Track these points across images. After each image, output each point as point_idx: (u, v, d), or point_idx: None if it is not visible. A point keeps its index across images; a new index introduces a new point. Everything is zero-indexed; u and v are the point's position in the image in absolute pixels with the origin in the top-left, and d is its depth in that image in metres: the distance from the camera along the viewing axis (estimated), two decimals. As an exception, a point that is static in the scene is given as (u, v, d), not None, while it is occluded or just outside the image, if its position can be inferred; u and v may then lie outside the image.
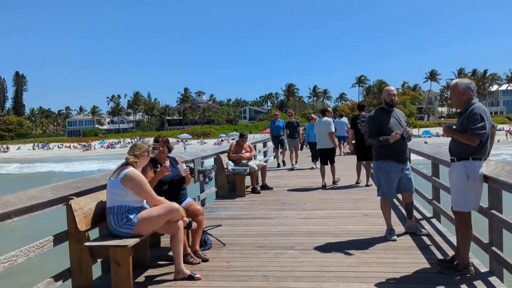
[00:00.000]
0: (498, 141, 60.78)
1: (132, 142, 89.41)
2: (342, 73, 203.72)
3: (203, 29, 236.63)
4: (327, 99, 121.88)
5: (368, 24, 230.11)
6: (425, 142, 56.32)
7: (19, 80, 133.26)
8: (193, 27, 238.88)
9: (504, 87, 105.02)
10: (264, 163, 10.16)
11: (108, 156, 66.56)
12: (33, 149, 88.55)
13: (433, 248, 5.06)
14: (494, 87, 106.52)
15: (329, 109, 10.88)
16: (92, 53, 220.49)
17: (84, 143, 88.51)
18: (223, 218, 6.95)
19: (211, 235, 5.43)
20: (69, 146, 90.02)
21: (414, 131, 78.10)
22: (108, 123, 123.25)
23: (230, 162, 9.35)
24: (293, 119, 14.29)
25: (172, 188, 4.82)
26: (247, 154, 9.63)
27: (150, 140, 5.04)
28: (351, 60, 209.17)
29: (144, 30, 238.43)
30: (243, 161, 9.45)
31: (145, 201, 4.09)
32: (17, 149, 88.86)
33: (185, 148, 64.22)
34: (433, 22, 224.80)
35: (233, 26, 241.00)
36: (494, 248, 4.13)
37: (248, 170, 9.17)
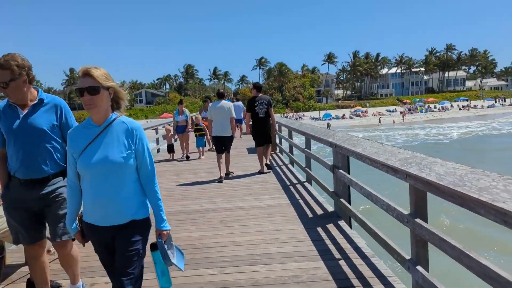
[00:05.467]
0: (394, 122, 62.31)
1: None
2: (243, 56, 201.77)
3: (94, 2, 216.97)
4: (228, 82, 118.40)
5: (266, 8, 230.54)
6: (328, 125, 55.66)
7: None
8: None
9: (393, 70, 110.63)
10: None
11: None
12: None
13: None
14: (385, 70, 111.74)
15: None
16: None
17: None
18: None
19: None
20: None
21: (315, 114, 78.05)
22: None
23: None
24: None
25: None
26: None
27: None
28: (252, 42, 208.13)
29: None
30: None
31: None
32: None
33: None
34: (335, 11, 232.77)
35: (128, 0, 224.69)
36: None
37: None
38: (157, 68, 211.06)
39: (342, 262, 3.71)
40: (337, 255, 3.92)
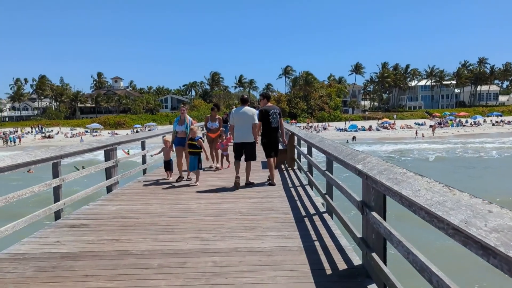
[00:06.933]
0: (423, 136, 59.63)
1: (34, 131, 78.58)
2: (269, 64, 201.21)
3: (126, 11, 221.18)
4: (253, 90, 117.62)
5: (299, 17, 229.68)
6: (354, 137, 53.51)
7: None
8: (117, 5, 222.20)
9: (422, 82, 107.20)
10: None
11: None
12: None
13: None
14: (414, 82, 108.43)
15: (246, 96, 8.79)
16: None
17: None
18: None
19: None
20: None
21: (341, 125, 76.02)
22: (9, 110, 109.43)
23: None
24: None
25: None
26: None
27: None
28: (279, 51, 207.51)
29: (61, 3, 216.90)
30: None
31: None
32: None
33: (81, 139, 54.97)
34: (362, 20, 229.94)
35: (156, 7, 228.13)
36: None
37: None
38: (184, 74, 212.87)
39: None
40: None
